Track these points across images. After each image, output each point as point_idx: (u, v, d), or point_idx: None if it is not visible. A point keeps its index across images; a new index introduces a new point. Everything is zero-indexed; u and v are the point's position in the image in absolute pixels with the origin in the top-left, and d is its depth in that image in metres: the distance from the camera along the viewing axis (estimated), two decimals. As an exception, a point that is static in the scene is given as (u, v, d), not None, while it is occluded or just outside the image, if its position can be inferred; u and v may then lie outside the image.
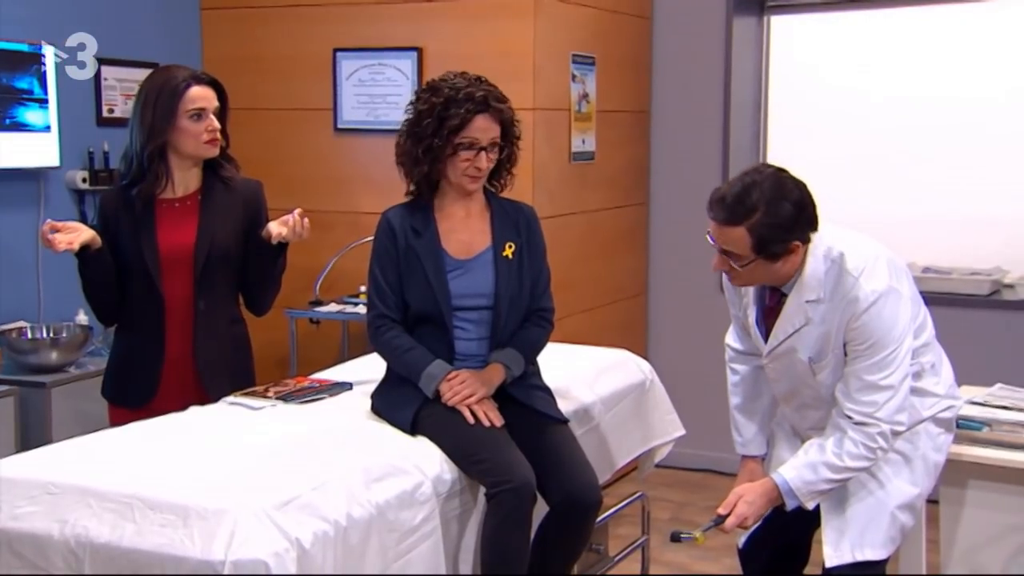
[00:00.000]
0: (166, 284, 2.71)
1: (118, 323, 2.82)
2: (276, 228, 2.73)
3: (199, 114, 2.67)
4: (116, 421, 2.74)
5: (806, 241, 2.32)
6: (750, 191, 2.26)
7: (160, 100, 2.66)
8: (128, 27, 4.16)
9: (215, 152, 2.73)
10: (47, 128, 3.77)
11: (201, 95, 2.68)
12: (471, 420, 2.46)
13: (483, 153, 2.49)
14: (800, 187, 2.31)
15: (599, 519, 2.63)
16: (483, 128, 2.48)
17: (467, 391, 2.48)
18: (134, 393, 2.75)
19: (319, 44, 4.29)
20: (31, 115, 3.72)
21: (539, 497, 2.43)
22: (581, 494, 2.48)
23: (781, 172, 2.32)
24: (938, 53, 4.50)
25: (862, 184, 4.58)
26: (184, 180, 2.75)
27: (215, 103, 2.71)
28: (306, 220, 2.73)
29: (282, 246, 2.77)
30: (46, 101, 3.76)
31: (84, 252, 2.63)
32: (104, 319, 2.84)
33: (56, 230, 2.58)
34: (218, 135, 2.71)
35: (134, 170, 2.70)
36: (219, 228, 2.73)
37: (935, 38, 4.51)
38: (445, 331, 2.55)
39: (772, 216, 2.26)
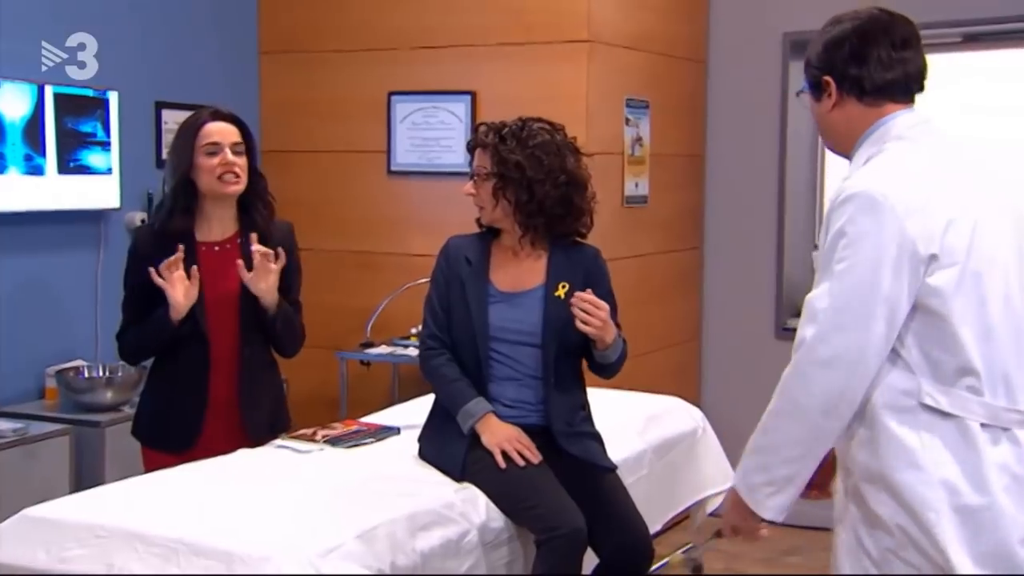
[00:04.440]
0: (212, 331, 2.71)
1: (157, 368, 2.81)
2: (263, 284, 2.66)
3: (214, 150, 2.67)
4: (153, 464, 2.72)
5: (843, 87, 1.91)
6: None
7: (181, 137, 2.71)
8: (188, 71, 4.25)
9: (232, 190, 2.70)
10: (109, 171, 3.85)
11: (216, 130, 2.69)
12: (502, 464, 2.43)
13: (470, 182, 2.62)
14: (899, 27, 1.91)
15: (651, 570, 2.58)
16: (476, 160, 2.62)
17: (597, 319, 2.43)
18: (175, 438, 2.74)
19: (374, 87, 4.34)
20: (94, 158, 3.80)
21: (588, 549, 2.39)
22: (632, 546, 2.45)
23: (891, 15, 1.94)
24: (999, 96, 4.41)
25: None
26: (221, 223, 2.75)
27: (233, 138, 2.70)
28: (262, 251, 2.66)
29: (278, 309, 2.71)
30: (109, 144, 3.84)
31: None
32: (133, 363, 2.88)
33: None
34: (235, 170, 2.68)
35: (164, 210, 2.72)
36: None
37: (995, 81, 4.42)
38: (479, 364, 2.54)
39: (824, 32, 1.93)
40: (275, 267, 2.68)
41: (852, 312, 1.82)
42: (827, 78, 1.94)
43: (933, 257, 1.80)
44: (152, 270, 2.62)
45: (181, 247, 2.63)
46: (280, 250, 2.68)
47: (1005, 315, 1.86)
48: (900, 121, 1.92)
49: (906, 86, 1.94)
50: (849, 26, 1.93)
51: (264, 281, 2.67)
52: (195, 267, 2.63)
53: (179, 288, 2.62)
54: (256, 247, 2.67)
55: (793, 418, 1.88)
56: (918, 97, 1.98)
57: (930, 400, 1.83)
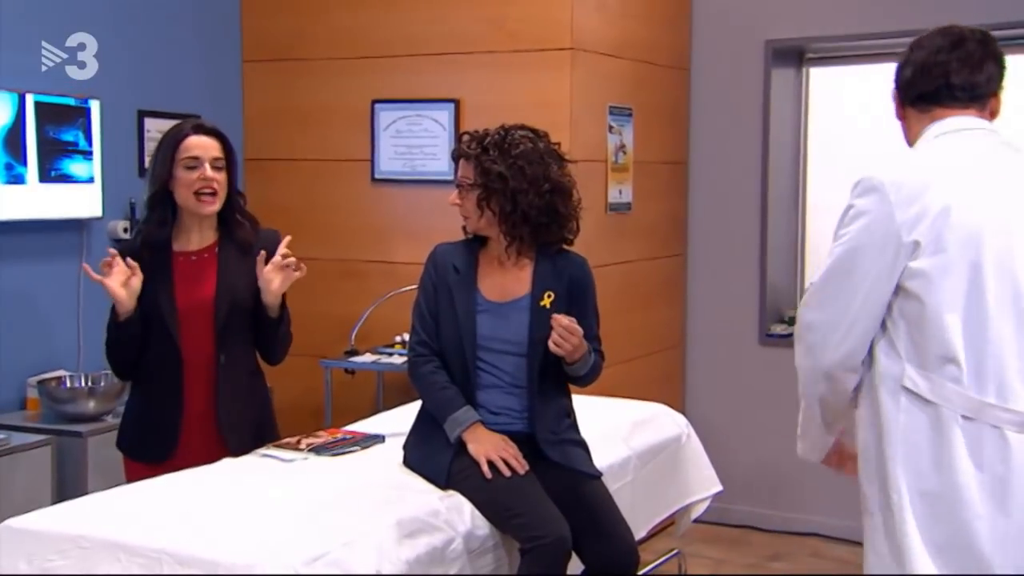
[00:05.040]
0: (184, 338, 2.68)
1: (138, 378, 2.79)
2: (275, 285, 2.66)
3: (193, 164, 2.65)
4: (135, 475, 2.70)
5: (900, 97, 2.10)
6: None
7: (162, 149, 2.69)
8: (170, 79, 4.24)
9: (208, 210, 2.68)
10: (91, 179, 3.83)
11: (196, 144, 2.66)
12: (488, 475, 2.43)
13: (456, 191, 2.63)
14: (951, 40, 2.03)
15: (636, 577, 2.59)
16: (460, 170, 2.63)
17: (570, 341, 2.46)
18: (153, 448, 2.72)
19: (358, 95, 4.34)
20: (76, 167, 3.79)
21: (573, 555, 2.39)
22: (618, 554, 2.45)
23: (958, 31, 2.06)
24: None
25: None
26: (200, 232, 2.73)
27: (214, 153, 2.68)
28: (289, 258, 2.67)
29: (282, 310, 2.72)
30: (91, 153, 3.83)
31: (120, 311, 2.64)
32: (123, 375, 2.82)
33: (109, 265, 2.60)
34: (213, 186, 2.66)
35: (142, 221, 2.74)
36: (238, 281, 2.70)
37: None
38: (467, 373, 2.55)
39: (903, 56, 2.10)
40: (297, 275, 2.69)
41: (832, 286, 1.97)
42: (894, 91, 2.15)
43: (916, 244, 1.89)
44: (85, 267, 2.64)
45: (112, 250, 2.64)
46: (303, 266, 2.69)
47: (1015, 318, 1.90)
48: (944, 124, 2.04)
49: (950, 93, 2.04)
50: (910, 46, 2.11)
51: (278, 283, 2.66)
52: (130, 258, 2.63)
53: (115, 279, 2.59)
54: (284, 251, 2.67)
55: (799, 375, 2.05)
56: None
57: (910, 384, 1.91)
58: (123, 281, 2.60)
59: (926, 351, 1.90)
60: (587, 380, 2.61)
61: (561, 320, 2.46)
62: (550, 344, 2.47)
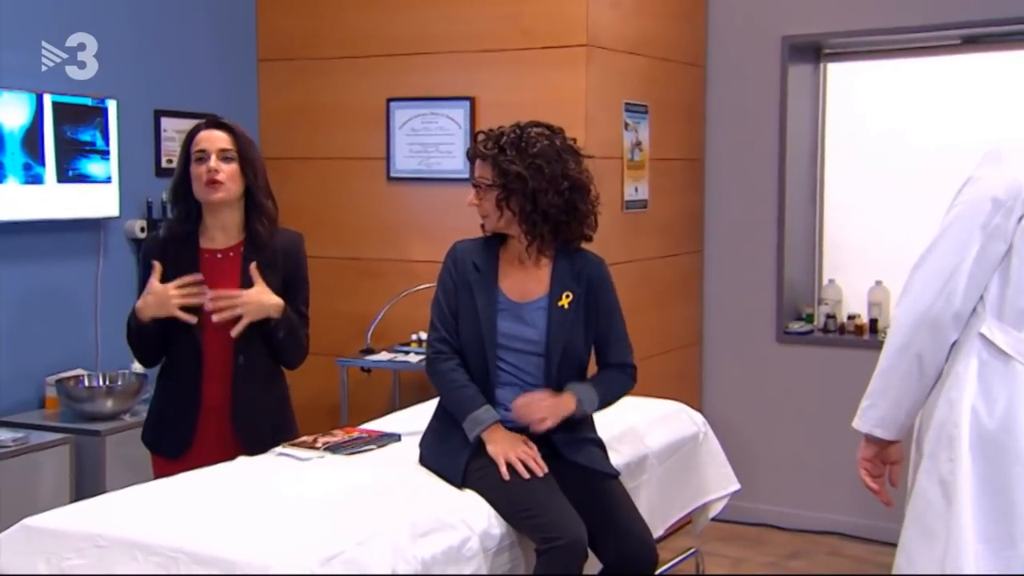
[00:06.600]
0: (206, 336, 2.71)
1: (160, 373, 2.84)
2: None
3: (201, 156, 2.70)
4: (158, 469, 2.77)
5: None
6: None
7: (182, 146, 2.76)
8: (186, 79, 4.25)
9: (215, 198, 2.69)
10: (108, 179, 3.85)
11: (204, 137, 2.72)
12: (507, 476, 2.42)
13: (473, 191, 2.61)
14: None
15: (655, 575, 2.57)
16: (477, 170, 2.61)
17: (537, 415, 2.46)
18: (170, 442, 2.77)
19: (373, 94, 4.34)
20: (93, 167, 3.80)
21: (591, 554, 2.39)
22: (636, 552, 2.45)
23: None
24: (999, 99, 4.41)
25: (921, 232, 4.47)
26: (224, 231, 2.76)
27: (221, 145, 2.71)
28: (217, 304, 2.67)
29: (273, 322, 2.72)
30: (108, 153, 3.84)
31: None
32: (147, 364, 2.86)
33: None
34: (217, 177, 2.68)
35: (170, 217, 2.81)
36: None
37: (995, 84, 4.43)
38: (487, 371, 2.54)
39: None
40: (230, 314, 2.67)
41: (952, 235, 2.06)
42: None
43: None
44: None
45: (157, 264, 2.67)
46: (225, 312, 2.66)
47: None
48: None
49: None
50: None
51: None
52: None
53: (171, 294, 2.65)
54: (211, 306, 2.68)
55: (891, 333, 2.11)
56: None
57: (987, 332, 2.01)
58: (173, 299, 2.63)
59: (1010, 306, 2.00)
60: (613, 403, 2.63)
61: (515, 404, 2.48)
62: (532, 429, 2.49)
